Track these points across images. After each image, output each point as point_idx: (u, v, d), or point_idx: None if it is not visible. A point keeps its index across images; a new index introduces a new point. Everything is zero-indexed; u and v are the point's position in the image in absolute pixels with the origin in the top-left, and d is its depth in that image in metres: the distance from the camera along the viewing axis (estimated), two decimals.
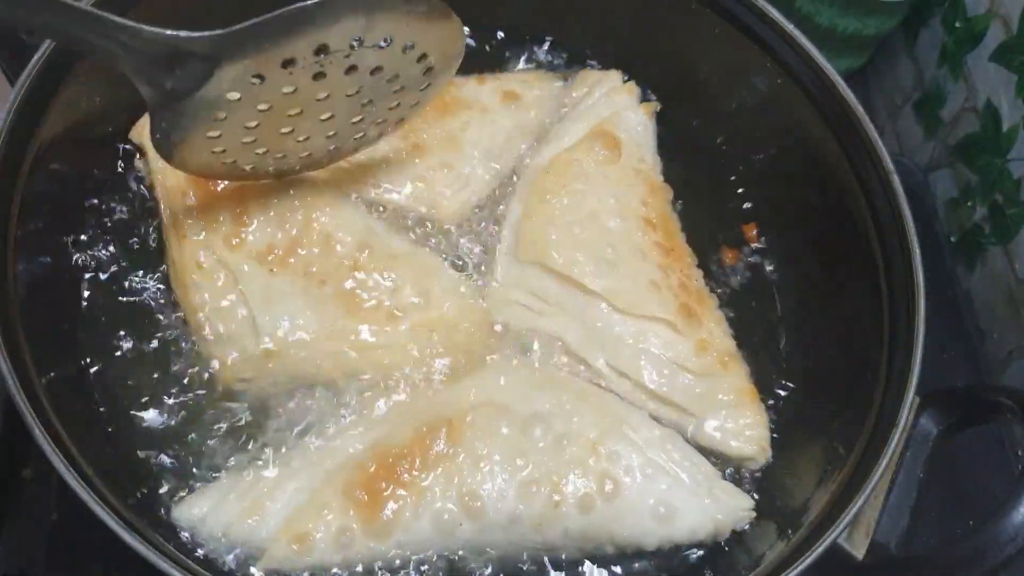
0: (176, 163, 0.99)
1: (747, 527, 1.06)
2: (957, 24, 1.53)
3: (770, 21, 1.19)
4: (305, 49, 0.90)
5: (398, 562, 1.01)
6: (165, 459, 1.07)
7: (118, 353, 1.11)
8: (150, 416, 1.10)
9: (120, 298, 1.15)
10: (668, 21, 1.30)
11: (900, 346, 1.04)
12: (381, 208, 1.19)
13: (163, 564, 0.85)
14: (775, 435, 1.14)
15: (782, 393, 1.19)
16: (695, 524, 1.03)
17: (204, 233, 1.09)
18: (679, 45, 1.31)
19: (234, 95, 0.92)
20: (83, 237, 1.15)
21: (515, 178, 1.25)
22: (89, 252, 1.15)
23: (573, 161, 1.21)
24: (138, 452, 1.07)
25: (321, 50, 0.91)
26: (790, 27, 1.18)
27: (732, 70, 1.27)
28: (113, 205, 1.18)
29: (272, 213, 1.10)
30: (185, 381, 1.10)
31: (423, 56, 0.99)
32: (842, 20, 1.56)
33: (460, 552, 1.02)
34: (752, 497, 1.08)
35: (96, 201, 1.17)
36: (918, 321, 1.03)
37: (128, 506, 0.90)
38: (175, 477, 1.06)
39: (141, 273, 1.15)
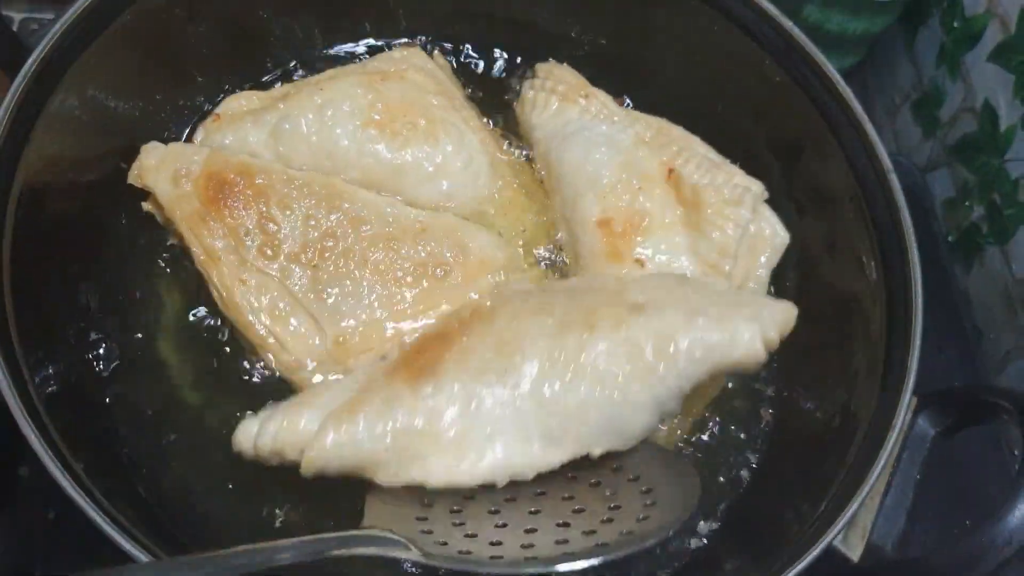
0: None
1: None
2: (955, 24, 1.53)
3: (769, 19, 1.19)
4: None
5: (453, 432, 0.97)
6: (166, 458, 1.08)
7: (123, 351, 1.13)
8: (152, 416, 1.11)
9: (119, 296, 1.16)
10: (665, 18, 1.30)
11: (897, 346, 1.04)
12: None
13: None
14: (770, 436, 1.14)
15: (775, 394, 1.20)
16: (737, 328, 1.00)
17: (237, 251, 1.11)
18: (675, 42, 1.31)
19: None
20: (84, 236, 1.15)
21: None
22: (88, 251, 1.16)
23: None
24: (139, 451, 1.07)
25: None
26: (788, 24, 1.18)
27: (730, 68, 1.27)
28: (112, 200, 1.18)
29: (295, 214, 1.12)
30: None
31: (648, 491, 0.98)
32: (852, 23, 1.56)
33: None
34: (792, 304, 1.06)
35: (96, 198, 1.17)
36: (915, 321, 1.03)
37: (122, 506, 0.90)
38: (175, 476, 1.07)
39: (144, 267, 1.17)
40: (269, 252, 1.11)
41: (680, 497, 0.98)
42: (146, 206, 1.17)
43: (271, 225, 1.12)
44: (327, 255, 1.11)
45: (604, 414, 0.98)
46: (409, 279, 1.12)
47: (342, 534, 0.89)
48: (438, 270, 1.13)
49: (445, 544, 0.92)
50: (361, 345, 1.09)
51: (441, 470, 0.95)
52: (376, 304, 1.11)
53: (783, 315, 1.03)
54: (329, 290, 1.10)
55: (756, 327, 1.00)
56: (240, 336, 1.13)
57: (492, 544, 0.94)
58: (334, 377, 1.09)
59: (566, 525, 0.96)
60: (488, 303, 1.06)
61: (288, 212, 1.13)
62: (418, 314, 1.11)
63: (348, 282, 1.11)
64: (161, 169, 1.14)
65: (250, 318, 1.10)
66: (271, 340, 1.10)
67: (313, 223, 1.12)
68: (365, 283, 1.11)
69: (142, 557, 0.85)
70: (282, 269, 1.11)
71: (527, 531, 0.95)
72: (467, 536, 0.94)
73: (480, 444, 0.96)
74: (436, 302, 1.12)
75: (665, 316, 0.99)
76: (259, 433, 0.97)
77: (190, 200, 1.12)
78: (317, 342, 1.09)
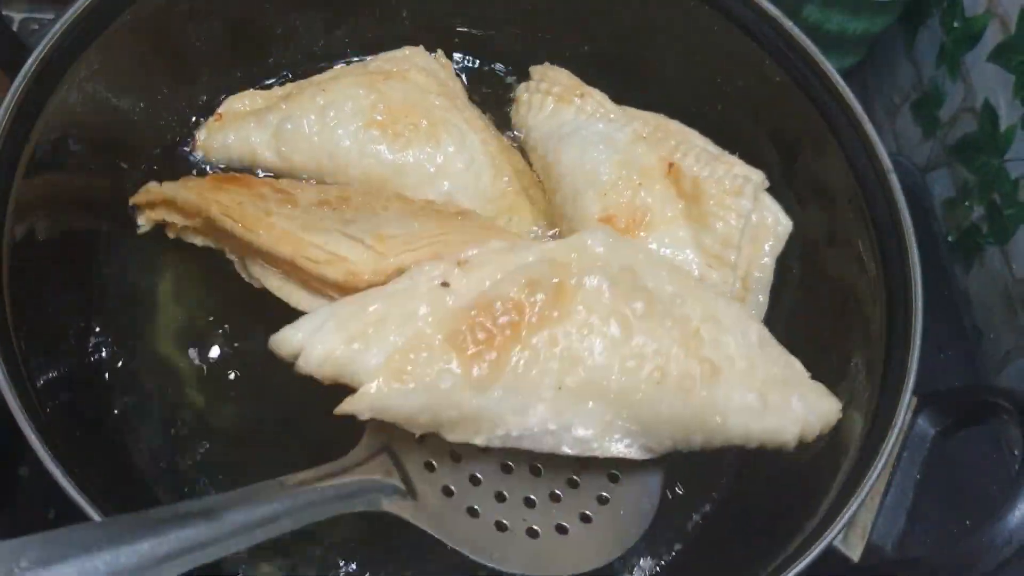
0: None
1: None
2: (955, 24, 1.53)
3: (770, 19, 1.19)
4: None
5: (498, 430, 0.96)
6: (167, 458, 1.08)
7: (124, 350, 1.13)
8: (153, 415, 1.11)
9: (120, 295, 1.16)
10: (664, 19, 1.30)
11: (897, 346, 1.04)
12: None
13: None
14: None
15: None
16: (783, 423, 1.00)
17: (256, 204, 1.07)
18: (675, 43, 1.31)
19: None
20: (84, 235, 1.16)
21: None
22: (89, 250, 1.16)
23: None
24: (140, 450, 1.07)
25: None
26: (789, 24, 1.18)
27: (730, 68, 1.27)
28: (113, 200, 1.18)
29: (305, 191, 1.12)
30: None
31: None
32: (852, 23, 1.56)
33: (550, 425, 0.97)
34: (838, 401, 1.05)
35: (96, 198, 1.17)
36: (915, 321, 1.03)
37: (123, 506, 0.90)
38: (176, 475, 1.07)
39: (145, 266, 1.17)
40: (289, 206, 1.09)
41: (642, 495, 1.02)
42: (150, 217, 1.15)
43: (280, 196, 1.10)
44: (346, 202, 1.11)
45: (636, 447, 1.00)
46: (433, 215, 1.11)
47: (342, 481, 0.91)
48: (458, 217, 1.12)
49: (433, 470, 0.98)
50: (403, 243, 1.04)
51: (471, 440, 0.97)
52: (405, 225, 1.07)
53: (828, 416, 1.03)
54: (356, 221, 1.07)
55: (800, 428, 1.00)
56: (266, 268, 1.08)
57: (471, 481, 0.99)
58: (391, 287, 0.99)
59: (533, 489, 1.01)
60: (572, 280, 0.97)
61: (299, 189, 1.12)
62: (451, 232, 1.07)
63: (372, 217, 1.09)
64: (164, 186, 1.14)
65: (283, 227, 1.04)
66: (308, 245, 1.04)
67: (324, 194, 1.12)
68: (393, 216, 1.09)
69: None
70: (305, 211, 1.08)
71: (502, 474, 1.01)
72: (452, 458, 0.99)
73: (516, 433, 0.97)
74: (470, 230, 1.09)
75: (732, 391, 0.99)
76: (303, 355, 0.93)
77: (200, 183, 1.11)
78: (356, 249, 1.03)
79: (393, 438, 0.96)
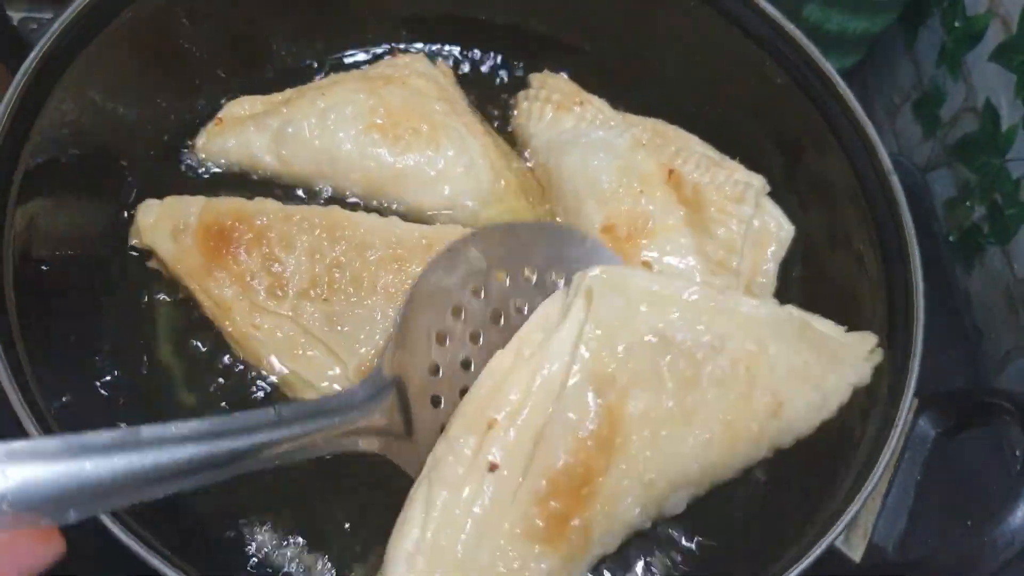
0: None
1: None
2: (956, 24, 1.53)
3: (770, 20, 1.19)
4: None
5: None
6: None
7: (124, 351, 1.13)
8: (152, 415, 1.10)
9: (120, 295, 1.16)
10: (664, 20, 1.30)
11: (899, 347, 1.04)
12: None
13: (161, 566, 0.85)
14: None
15: None
16: (842, 393, 1.01)
17: (247, 296, 1.10)
18: (675, 44, 1.31)
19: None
20: (85, 234, 1.16)
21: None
22: (90, 248, 1.15)
23: None
24: None
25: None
26: (790, 26, 1.18)
27: (730, 69, 1.27)
28: (113, 199, 1.18)
29: (299, 250, 1.12)
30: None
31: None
32: (852, 23, 1.56)
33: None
34: (872, 336, 1.04)
35: (96, 197, 1.17)
36: (917, 322, 1.03)
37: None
38: None
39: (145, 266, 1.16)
40: (279, 293, 1.10)
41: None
42: (151, 264, 1.16)
43: (276, 265, 1.11)
44: (336, 286, 1.10)
45: None
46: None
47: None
48: None
49: (439, 405, 0.98)
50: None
51: None
52: (391, 327, 1.08)
53: (875, 358, 1.03)
54: (343, 321, 1.09)
55: (853, 388, 1.01)
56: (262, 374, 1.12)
57: None
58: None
59: None
60: (615, 395, 0.91)
61: (291, 249, 1.12)
62: None
63: (360, 310, 1.10)
64: (159, 227, 1.14)
65: (270, 360, 1.10)
66: (292, 379, 1.09)
67: (318, 255, 1.12)
68: (378, 309, 1.10)
69: (141, 552, 0.85)
70: (293, 307, 1.10)
71: None
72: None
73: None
74: None
75: (795, 406, 0.98)
76: None
77: (192, 255, 1.12)
78: (338, 372, 1.09)
79: (406, 371, 0.96)
